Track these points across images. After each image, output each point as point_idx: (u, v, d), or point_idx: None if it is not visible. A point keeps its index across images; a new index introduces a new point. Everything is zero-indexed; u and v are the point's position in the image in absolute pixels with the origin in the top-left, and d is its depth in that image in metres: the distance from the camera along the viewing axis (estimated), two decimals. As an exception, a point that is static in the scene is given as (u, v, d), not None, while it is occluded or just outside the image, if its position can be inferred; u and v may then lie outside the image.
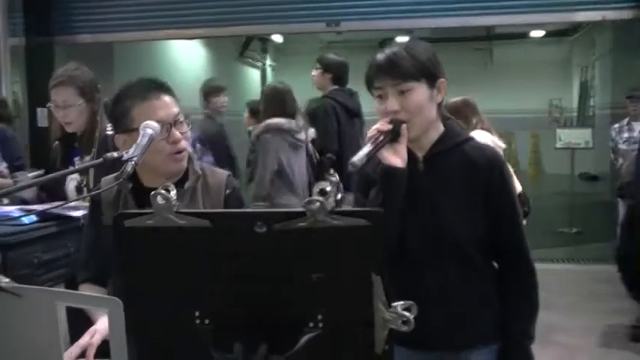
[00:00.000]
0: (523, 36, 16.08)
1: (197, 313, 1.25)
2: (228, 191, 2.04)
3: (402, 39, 15.28)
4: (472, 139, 2.04)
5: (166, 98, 1.99)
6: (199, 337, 1.24)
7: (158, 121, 1.89)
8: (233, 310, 1.24)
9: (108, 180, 2.11)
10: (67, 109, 2.72)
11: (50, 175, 2.08)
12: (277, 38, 15.81)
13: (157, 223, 1.20)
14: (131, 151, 1.61)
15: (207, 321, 1.25)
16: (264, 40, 16.74)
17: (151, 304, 1.27)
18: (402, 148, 1.88)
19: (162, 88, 2.01)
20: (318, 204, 1.13)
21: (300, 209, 1.14)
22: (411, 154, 1.95)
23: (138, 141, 1.66)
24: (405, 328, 1.18)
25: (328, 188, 1.15)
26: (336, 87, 5.19)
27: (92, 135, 2.73)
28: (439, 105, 1.98)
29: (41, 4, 7.11)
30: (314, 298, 1.21)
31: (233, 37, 14.89)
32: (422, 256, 1.97)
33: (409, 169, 1.93)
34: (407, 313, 1.18)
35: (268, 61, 18.21)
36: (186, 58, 13.61)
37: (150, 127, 1.70)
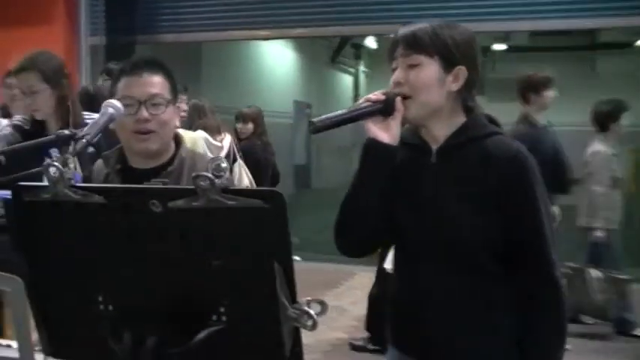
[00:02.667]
0: (628, 45, 15.29)
1: (100, 298, 1.17)
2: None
3: (500, 46, 14.86)
4: (498, 133, 1.77)
5: (150, 77, 1.92)
6: (101, 322, 1.16)
7: (130, 97, 1.83)
8: (135, 295, 1.15)
9: (98, 164, 2.06)
10: (32, 96, 2.66)
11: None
12: (371, 44, 15.68)
13: (53, 198, 1.12)
14: (86, 129, 1.55)
15: (110, 307, 1.17)
16: (358, 46, 16.68)
17: (55, 285, 1.19)
18: (394, 124, 1.70)
19: (150, 66, 1.95)
20: (207, 181, 1.02)
21: (190, 187, 1.03)
22: (424, 146, 1.78)
23: (96, 119, 1.60)
24: (309, 327, 1.05)
25: (223, 164, 1.04)
26: None
27: (65, 123, 2.65)
28: (459, 94, 1.75)
29: (123, 4, 7.27)
30: (216, 288, 1.11)
31: (325, 43, 14.95)
32: (425, 257, 1.76)
33: (420, 161, 1.77)
34: (311, 311, 1.05)
35: (362, 68, 18.12)
36: (277, 61, 13.74)
37: (111, 106, 1.64)
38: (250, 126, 5.83)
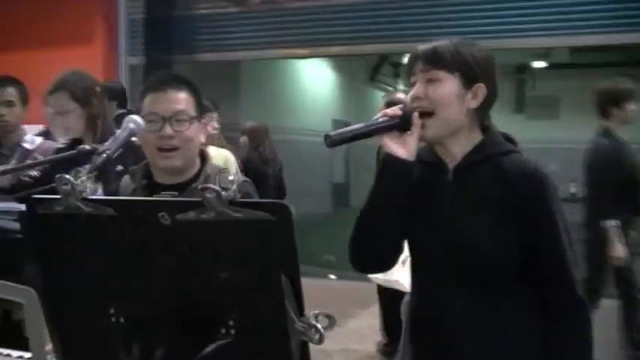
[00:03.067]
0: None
1: (112, 310, 1.17)
2: (239, 196, 1.95)
3: (539, 63, 14.59)
4: (515, 151, 1.77)
5: (175, 94, 1.93)
6: (113, 335, 1.17)
7: (154, 113, 1.85)
8: (146, 308, 1.16)
9: (125, 179, 2.09)
10: (63, 116, 2.70)
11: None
12: (409, 62, 15.68)
13: (66, 210, 1.14)
14: (107, 144, 1.57)
15: (121, 319, 1.18)
16: (396, 65, 16.66)
17: (68, 297, 1.20)
18: (411, 139, 1.68)
19: (175, 82, 1.96)
20: (214, 194, 1.02)
21: (198, 199, 1.03)
22: (440, 165, 1.77)
23: (117, 134, 1.62)
24: (316, 341, 1.04)
25: (230, 177, 1.04)
26: None
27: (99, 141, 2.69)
28: (477, 113, 1.74)
29: (162, 24, 7.39)
30: (224, 301, 1.11)
31: (363, 61, 14.96)
32: (444, 276, 1.73)
33: (437, 180, 1.75)
34: (319, 325, 1.04)
35: (400, 86, 18.09)
36: (315, 79, 13.79)
37: (132, 122, 1.66)
38: (245, 139, 5.91)
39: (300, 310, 1.05)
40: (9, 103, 3.13)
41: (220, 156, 4.32)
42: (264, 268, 1.06)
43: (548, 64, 14.58)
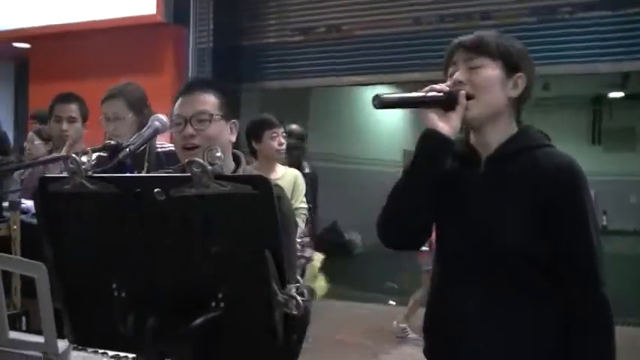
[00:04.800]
0: None
1: (114, 285, 1.23)
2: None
3: (615, 94, 14.22)
4: (550, 145, 1.76)
5: (201, 95, 2.01)
6: (115, 309, 1.22)
7: (179, 115, 1.93)
8: (145, 282, 1.21)
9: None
10: (116, 122, 2.81)
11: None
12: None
13: (73, 188, 1.20)
14: (131, 139, 1.64)
15: (123, 294, 1.23)
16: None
17: (75, 273, 1.27)
18: (455, 117, 1.68)
19: (203, 85, 2.04)
20: (200, 167, 1.07)
21: (187, 174, 1.09)
22: (473, 156, 1.77)
23: (142, 131, 1.69)
24: (295, 312, 1.07)
25: (217, 154, 1.09)
26: None
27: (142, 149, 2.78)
28: (516, 103, 1.76)
29: (229, 53, 7.61)
30: (215, 275, 1.16)
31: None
32: (470, 269, 1.72)
33: (468, 172, 1.75)
34: (299, 297, 1.07)
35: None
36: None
37: (157, 120, 1.74)
38: None
39: (283, 283, 1.09)
40: (71, 119, 3.31)
41: (290, 174, 4.39)
42: (250, 241, 1.10)
43: (624, 94, 14.22)
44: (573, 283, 1.67)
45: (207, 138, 1.97)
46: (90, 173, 1.19)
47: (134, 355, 1.33)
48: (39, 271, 1.27)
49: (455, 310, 1.74)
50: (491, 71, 1.71)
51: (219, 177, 1.08)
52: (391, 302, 7.21)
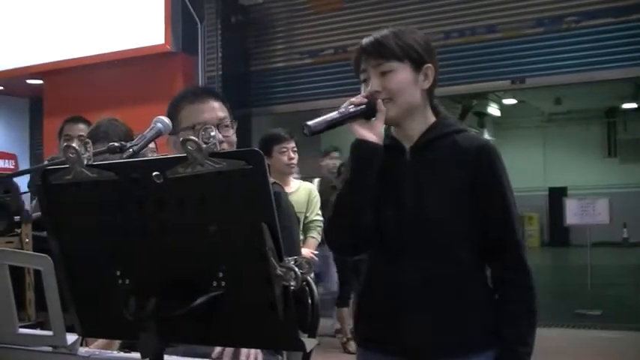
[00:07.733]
0: None
1: (118, 273, 1.25)
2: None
3: (630, 105, 14.17)
4: (465, 130, 1.91)
5: (214, 103, 2.06)
6: (121, 297, 1.24)
7: (202, 123, 1.96)
8: (148, 267, 1.23)
9: None
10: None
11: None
12: (494, 112, 15.57)
13: (74, 179, 1.23)
14: (134, 140, 1.68)
15: (127, 281, 1.25)
16: (481, 115, 16.57)
17: (80, 263, 1.29)
18: (377, 124, 1.81)
19: (210, 93, 2.10)
20: (195, 145, 1.09)
21: (182, 154, 1.11)
22: (398, 146, 1.89)
23: (145, 132, 1.73)
24: (293, 285, 1.08)
25: (212, 132, 1.11)
26: None
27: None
28: (429, 93, 1.89)
29: (239, 79, 7.70)
30: (214, 254, 1.17)
31: (448, 110, 14.93)
32: (404, 251, 1.84)
33: (395, 160, 1.86)
34: (296, 269, 1.08)
35: (486, 136, 17.92)
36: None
37: (160, 122, 1.77)
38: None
39: (280, 256, 1.10)
40: (81, 138, 3.37)
41: (304, 188, 4.41)
42: (247, 217, 1.11)
43: (637, 105, 14.18)
44: (498, 249, 1.82)
45: (233, 144, 2.03)
46: (90, 162, 1.21)
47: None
48: (45, 264, 1.29)
49: (389, 287, 1.85)
50: (401, 74, 1.83)
51: (213, 154, 1.10)
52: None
